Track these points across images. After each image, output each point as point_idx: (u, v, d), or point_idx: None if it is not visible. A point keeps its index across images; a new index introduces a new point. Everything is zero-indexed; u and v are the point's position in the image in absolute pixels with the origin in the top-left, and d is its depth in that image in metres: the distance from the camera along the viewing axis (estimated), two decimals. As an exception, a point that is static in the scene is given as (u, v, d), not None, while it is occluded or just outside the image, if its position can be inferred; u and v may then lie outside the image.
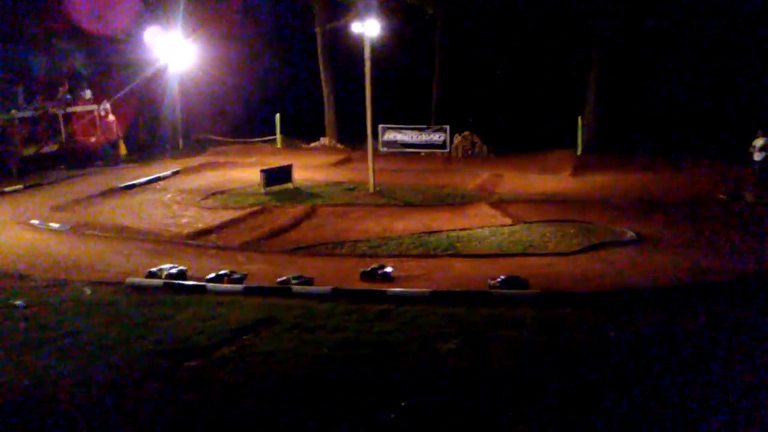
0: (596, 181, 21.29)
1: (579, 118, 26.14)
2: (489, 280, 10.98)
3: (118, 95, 25.39)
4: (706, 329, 9.10)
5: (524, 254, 13.46)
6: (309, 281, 11.38)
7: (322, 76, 30.17)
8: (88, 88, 25.09)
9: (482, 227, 15.62)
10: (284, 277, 11.46)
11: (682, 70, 26.83)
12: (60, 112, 24.07)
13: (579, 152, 25.70)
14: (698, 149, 23.42)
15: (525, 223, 15.77)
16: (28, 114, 23.16)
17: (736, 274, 11.48)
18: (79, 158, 24.07)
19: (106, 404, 7.39)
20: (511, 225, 15.68)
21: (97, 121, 25.04)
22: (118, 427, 6.92)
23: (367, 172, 20.22)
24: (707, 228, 14.99)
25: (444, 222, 16.36)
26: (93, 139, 24.91)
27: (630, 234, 14.39)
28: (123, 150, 25.60)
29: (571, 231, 14.88)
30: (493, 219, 16.42)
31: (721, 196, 18.10)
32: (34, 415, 7.17)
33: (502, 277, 10.93)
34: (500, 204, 17.91)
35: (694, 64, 26.57)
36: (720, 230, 14.77)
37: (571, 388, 7.46)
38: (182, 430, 6.87)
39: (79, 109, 24.77)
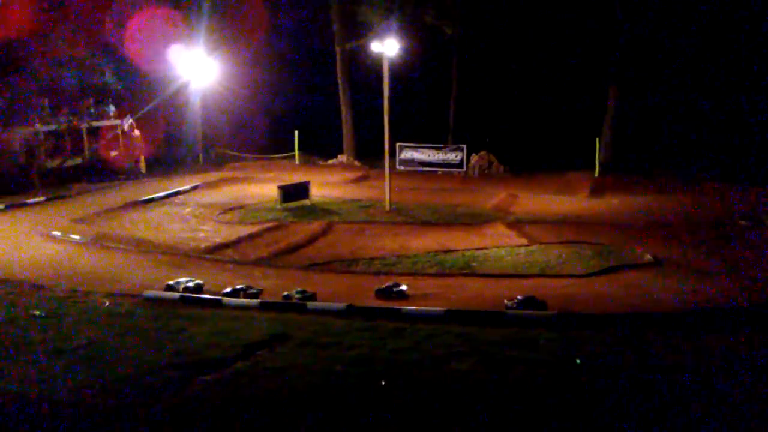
0: (613, 203, 21.17)
1: (596, 139, 26.08)
2: (506, 301, 10.95)
3: (142, 111, 25.83)
4: (723, 354, 8.99)
5: (540, 275, 13.40)
6: (312, 296, 11.46)
7: (341, 94, 30.47)
8: (112, 104, 25.55)
9: (498, 247, 15.59)
10: (288, 293, 11.56)
11: (702, 93, 26.71)
12: (84, 127, 24.51)
13: (596, 173, 25.62)
14: (717, 172, 23.23)
15: (541, 244, 15.71)
16: (52, 127, 23.60)
17: (754, 300, 11.33)
18: (101, 172, 24.48)
19: (120, 414, 7.47)
20: (527, 245, 15.63)
21: (120, 137, 25.46)
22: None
23: (383, 190, 20.30)
24: (726, 253, 14.83)
25: (460, 241, 16.35)
26: (115, 154, 25.32)
27: (647, 257, 14.28)
28: (143, 167, 25.94)
29: (588, 253, 14.80)
30: (509, 239, 16.38)
31: (741, 221, 17.90)
32: (49, 423, 7.25)
33: (519, 297, 10.89)
34: (516, 224, 17.87)
35: (714, 87, 26.45)
36: (738, 255, 14.59)
37: (584, 411, 7.40)
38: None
39: (102, 124, 25.23)
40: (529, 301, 10.78)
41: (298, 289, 11.72)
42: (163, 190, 22.33)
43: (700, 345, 9.33)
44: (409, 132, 27.02)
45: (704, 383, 8.17)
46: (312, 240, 16.67)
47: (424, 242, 16.34)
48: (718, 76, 26.26)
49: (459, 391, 8.03)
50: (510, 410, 7.48)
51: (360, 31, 28.52)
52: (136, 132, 25.64)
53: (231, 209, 20.20)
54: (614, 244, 15.51)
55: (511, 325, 10.20)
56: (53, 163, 23.48)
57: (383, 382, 6.95)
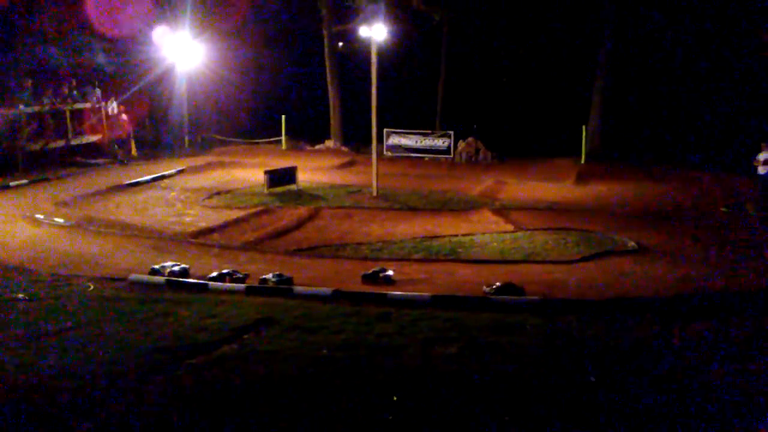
0: (599, 190, 21.34)
1: (583, 126, 26.19)
2: (484, 287, 11.01)
3: (127, 94, 25.52)
4: (703, 340, 9.13)
5: (525, 261, 13.50)
6: (288, 280, 11.45)
7: (329, 78, 30.30)
8: (98, 87, 25.21)
9: (484, 233, 15.67)
10: (264, 276, 11.56)
11: (688, 81, 26.89)
12: (67, 109, 24.18)
13: (583, 161, 25.77)
14: (702, 160, 23.46)
15: (527, 230, 15.81)
16: (35, 109, 23.27)
17: (735, 286, 11.50)
18: (84, 155, 24.19)
19: (106, 399, 7.45)
20: (513, 232, 15.73)
21: (104, 119, 25.16)
22: (119, 422, 6.96)
23: (371, 176, 20.28)
24: (708, 239, 15.03)
25: (446, 227, 16.41)
26: (99, 137, 25.03)
27: (631, 244, 14.43)
28: (134, 151, 25.67)
29: (573, 239, 14.93)
30: (495, 225, 16.47)
31: (723, 208, 18.14)
32: (34, 409, 7.22)
33: (498, 284, 10.95)
34: (503, 210, 17.96)
35: (700, 75, 26.63)
36: (721, 242, 14.79)
37: (569, 394, 7.50)
38: (182, 426, 6.92)
39: (86, 106, 24.90)
40: (508, 287, 10.84)
41: (275, 272, 11.71)
42: (149, 174, 22.13)
43: (684, 329, 9.45)
44: (397, 118, 26.98)
45: (692, 367, 8.29)
46: (299, 225, 16.65)
47: (410, 228, 16.38)
48: (706, 63, 26.43)
49: (445, 374, 8.10)
50: (496, 393, 7.55)
51: (348, 15, 28.33)
52: (124, 115, 25.35)
53: (217, 194, 20.09)
54: (599, 230, 15.65)
55: (497, 310, 10.27)
56: (36, 146, 23.15)
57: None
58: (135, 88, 25.52)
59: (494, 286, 10.90)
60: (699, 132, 25.46)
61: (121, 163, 24.28)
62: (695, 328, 9.54)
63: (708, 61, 26.40)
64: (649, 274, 12.42)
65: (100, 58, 24.72)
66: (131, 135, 25.75)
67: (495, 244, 14.84)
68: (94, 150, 24.74)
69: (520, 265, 13.18)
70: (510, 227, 16.13)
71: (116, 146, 25.08)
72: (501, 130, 27.71)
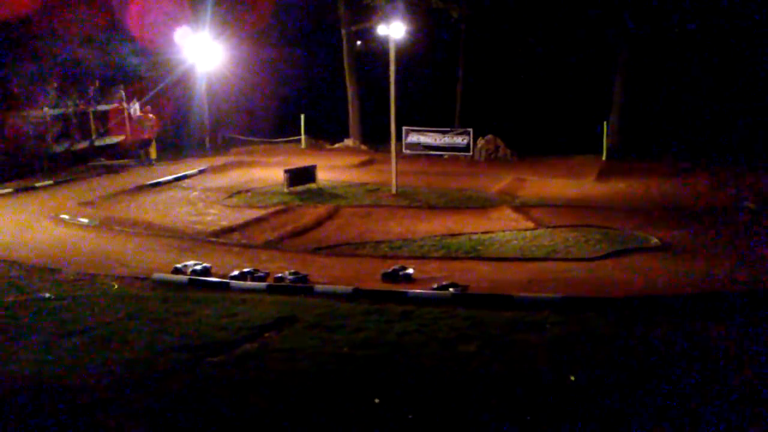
0: (620, 187, 21.11)
1: (604, 123, 25.94)
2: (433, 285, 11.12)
3: (149, 95, 25.81)
4: (728, 338, 9.00)
5: (546, 259, 13.42)
6: (304, 278, 11.55)
7: (347, 77, 30.36)
8: (122, 89, 25.52)
9: (504, 231, 15.60)
10: (280, 274, 11.67)
11: (712, 77, 26.49)
12: (91, 110, 24.52)
13: (604, 158, 25.52)
14: (727, 156, 23.10)
15: (547, 227, 15.71)
16: (60, 111, 23.62)
17: (760, 284, 11.30)
18: (108, 156, 24.53)
19: (129, 396, 7.56)
20: (533, 229, 15.64)
21: (127, 120, 25.47)
22: (141, 418, 7.06)
23: (390, 174, 20.29)
24: (733, 236, 14.79)
25: (466, 225, 16.36)
26: (123, 138, 25.34)
27: (654, 241, 14.26)
28: (153, 153, 25.95)
29: (595, 236, 14.79)
30: (515, 223, 16.39)
31: (749, 204, 17.84)
32: (59, 405, 7.34)
33: (444, 283, 11.12)
34: (523, 208, 17.86)
35: (724, 72, 26.22)
36: (746, 239, 14.56)
37: (590, 393, 7.44)
38: (204, 423, 6.99)
39: (109, 107, 25.23)
40: (451, 286, 10.93)
41: (292, 270, 11.77)
42: (170, 174, 22.38)
43: (708, 328, 9.32)
44: (416, 116, 26.95)
45: (711, 367, 8.18)
46: (318, 223, 16.72)
47: (430, 226, 16.36)
48: (727, 59, 26.01)
49: (465, 372, 8.08)
50: (515, 391, 7.52)
51: (366, 13, 28.34)
52: (152, 116, 25.62)
53: (238, 193, 20.25)
54: (621, 227, 15.49)
55: (518, 308, 10.22)
56: (61, 147, 23.53)
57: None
58: (157, 89, 25.79)
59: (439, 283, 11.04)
60: (724, 128, 25.06)
61: (143, 164, 24.56)
62: (719, 327, 9.40)
63: (729, 57, 25.98)
64: (672, 271, 12.27)
65: (124, 59, 25.00)
66: (154, 137, 26.00)
67: (515, 241, 14.76)
68: (117, 151, 25.06)
69: (540, 263, 13.10)
70: (530, 224, 16.03)
71: (138, 148, 25.37)
72: (520, 127, 27.54)
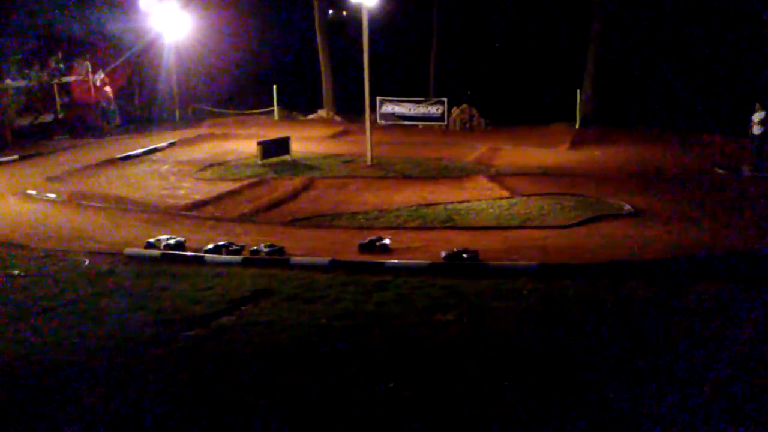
0: (594, 155, 21.27)
1: (578, 91, 26.00)
2: (442, 252, 11.06)
3: (114, 65, 25.11)
4: (698, 303, 9.17)
5: (521, 227, 13.49)
6: (280, 250, 11.44)
7: (319, 46, 29.87)
8: (87, 60, 24.77)
9: (480, 200, 15.63)
10: (255, 247, 11.55)
11: (683, 43, 26.64)
12: (55, 82, 23.82)
13: (577, 125, 25.65)
14: (697, 123, 23.38)
15: (522, 196, 15.77)
16: (22, 84, 22.90)
17: (730, 248, 11.52)
18: (74, 129, 23.91)
19: (104, 372, 7.46)
20: (508, 198, 15.69)
21: (93, 92, 24.80)
22: (117, 394, 6.98)
23: (364, 145, 20.14)
24: (703, 202, 15.03)
25: (442, 194, 16.36)
26: (87, 110, 24.70)
27: (627, 207, 14.42)
28: (116, 121, 25.36)
29: (569, 204, 14.91)
30: (490, 192, 16.42)
31: (718, 170, 18.14)
32: (33, 382, 7.22)
33: (455, 249, 11.08)
34: (498, 177, 17.89)
35: (695, 37, 26.38)
36: (716, 204, 14.80)
37: (566, 357, 7.55)
38: (181, 397, 6.94)
39: (73, 79, 24.51)
40: (463, 252, 10.92)
41: (267, 243, 11.67)
42: (140, 147, 21.90)
43: (679, 292, 9.49)
44: (390, 86, 26.68)
45: (682, 327, 8.34)
46: (293, 195, 16.56)
47: (406, 196, 16.32)
48: (701, 25, 26.15)
49: (444, 341, 8.13)
50: (494, 357, 7.59)
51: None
52: (107, 88, 24.96)
53: (210, 166, 19.93)
54: (595, 195, 15.62)
55: (494, 276, 10.28)
56: (24, 121, 22.86)
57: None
58: (121, 59, 25.09)
59: (451, 251, 10.98)
60: (695, 94, 25.31)
61: (109, 134, 23.98)
62: (691, 290, 9.57)
63: (701, 24, 26.11)
64: (645, 237, 12.43)
65: (88, 29, 24.20)
66: (114, 107, 25.36)
67: (491, 210, 14.81)
68: (83, 123, 24.42)
69: (515, 231, 13.17)
70: (505, 193, 16.08)
71: (102, 118, 24.77)
72: (494, 96, 27.46)
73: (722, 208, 14.48)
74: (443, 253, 11.04)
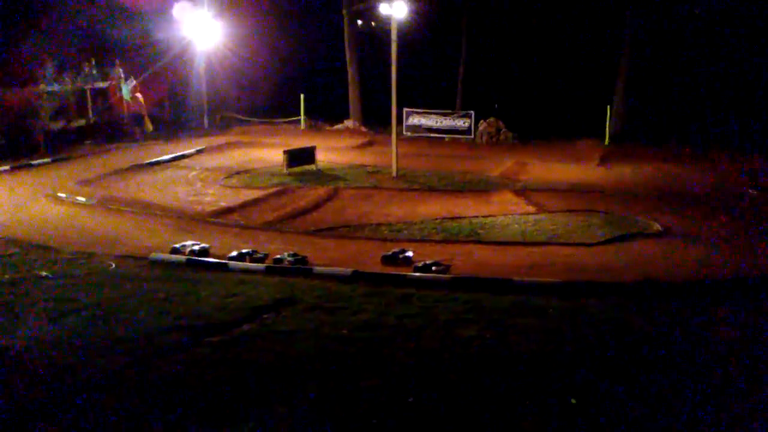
0: (623, 172, 20.98)
1: (608, 107, 25.73)
2: (415, 263, 11.20)
3: (146, 73, 25.50)
4: (727, 324, 8.93)
5: (547, 243, 13.32)
6: (303, 260, 11.46)
7: (348, 57, 30.01)
8: (119, 66, 25.19)
9: (505, 215, 15.50)
10: (279, 255, 11.56)
11: (716, 61, 26.22)
12: (88, 88, 24.26)
13: (606, 142, 25.35)
14: (729, 142, 22.95)
15: (549, 212, 15.60)
16: (56, 88, 23.35)
17: (763, 270, 11.23)
18: (105, 134, 24.30)
19: (127, 375, 7.49)
20: (534, 213, 15.53)
21: (124, 99, 25.19)
22: (139, 397, 6.99)
23: (390, 156, 20.12)
24: (735, 222, 14.70)
25: (467, 208, 16.25)
26: (120, 116, 25.10)
27: (656, 226, 14.17)
28: (149, 126, 25.73)
29: (596, 222, 14.70)
30: (516, 207, 16.27)
31: (751, 190, 17.74)
32: (56, 384, 7.27)
33: (427, 261, 11.18)
34: (524, 192, 17.73)
35: (729, 54, 25.94)
36: (748, 225, 14.47)
37: (589, 377, 7.38)
38: (201, 403, 6.92)
39: (106, 85, 24.95)
40: (432, 265, 11.00)
41: (291, 252, 11.67)
42: (168, 154, 22.19)
43: (709, 313, 9.26)
44: (417, 98, 26.69)
45: (709, 353, 8.12)
46: (318, 205, 16.60)
47: (430, 209, 16.24)
48: (731, 43, 25.72)
49: (465, 355, 8.01)
50: (514, 375, 7.45)
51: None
52: (138, 95, 25.35)
53: (236, 173, 20.08)
54: (623, 213, 15.39)
55: (518, 292, 10.15)
56: (57, 125, 23.29)
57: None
58: (154, 67, 25.47)
59: (422, 262, 11.09)
60: (727, 113, 24.85)
61: (139, 140, 24.33)
62: (720, 312, 9.34)
63: (732, 43, 25.68)
64: (674, 257, 12.19)
65: (121, 36, 24.62)
66: (144, 114, 25.72)
67: (516, 225, 14.66)
68: (114, 129, 24.82)
69: (541, 247, 13.01)
70: (532, 209, 15.92)
71: (134, 125, 25.14)
72: (522, 110, 27.28)
73: (753, 229, 14.14)
74: (415, 264, 11.14)
